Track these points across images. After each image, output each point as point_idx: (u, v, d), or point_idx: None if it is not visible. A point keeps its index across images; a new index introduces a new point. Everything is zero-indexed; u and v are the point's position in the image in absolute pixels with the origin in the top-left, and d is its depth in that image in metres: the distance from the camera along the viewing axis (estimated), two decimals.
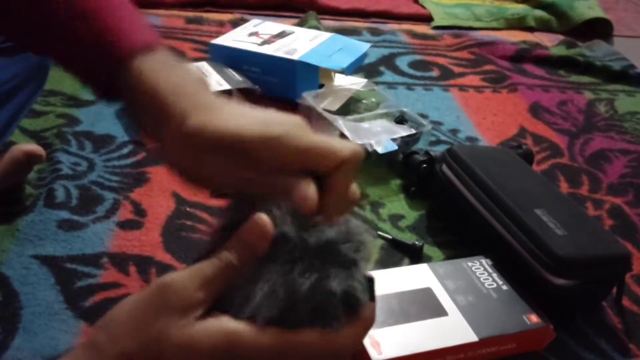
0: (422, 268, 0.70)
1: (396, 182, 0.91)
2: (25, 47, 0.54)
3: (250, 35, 1.15)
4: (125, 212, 0.78)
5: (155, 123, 0.42)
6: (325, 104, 1.06)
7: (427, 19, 1.59)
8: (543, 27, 1.64)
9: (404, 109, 1.01)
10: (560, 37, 1.57)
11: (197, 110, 0.40)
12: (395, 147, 0.91)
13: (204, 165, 0.40)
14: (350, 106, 1.09)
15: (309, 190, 0.38)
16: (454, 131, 1.07)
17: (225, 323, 0.36)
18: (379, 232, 0.79)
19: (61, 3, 0.45)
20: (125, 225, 0.76)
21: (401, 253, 0.77)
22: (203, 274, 0.37)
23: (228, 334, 0.36)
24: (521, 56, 1.40)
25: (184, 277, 0.36)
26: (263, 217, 0.38)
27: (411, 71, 1.28)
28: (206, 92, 0.43)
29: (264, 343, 0.36)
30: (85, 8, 0.45)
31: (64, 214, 0.75)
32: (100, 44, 0.44)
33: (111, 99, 0.47)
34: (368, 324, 0.41)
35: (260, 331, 0.36)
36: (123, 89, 0.43)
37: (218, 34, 1.21)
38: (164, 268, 0.69)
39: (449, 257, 0.77)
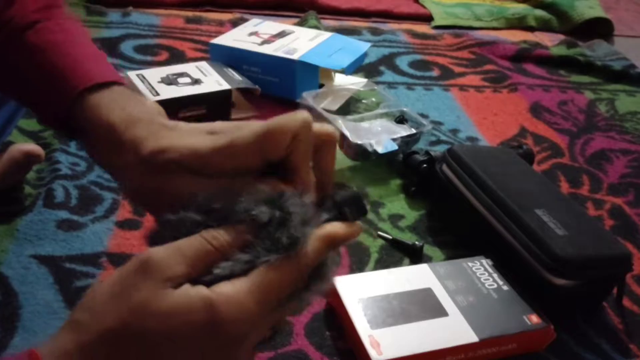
0: (422, 268, 0.69)
1: (396, 182, 0.90)
2: None
3: (250, 35, 1.15)
4: (124, 212, 0.77)
5: (112, 154, 0.43)
6: (325, 103, 1.06)
7: (427, 18, 1.59)
8: (543, 26, 1.63)
9: (404, 109, 1.01)
10: (561, 37, 1.57)
11: (152, 135, 0.42)
12: (396, 147, 0.91)
13: (166, 187, 0.41)
14: (350, 106, 1.09)
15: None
16: (454, 131, 1.06)
17: (202, 290, 0.35)
18: (379, 232, 0.79)
19: (17, 37, 0.48)
20: (124, 224, 0.75)
21: (401, 253, 0.76)
22: (180, 247, 0.36)
23: (205, 299, 0.35)
24: (522, 56, 1.40)
25: (163, 251, 0.36)
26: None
27: (411, 71, 1.28)
28: (160, 119, 0.44)
29: (242, 300, 0.35)
30: (44, 42, 0.48)
31: (63, 214, 0.75)
32: (57, 79, 0.46)
33: (68, 136, 0.48)
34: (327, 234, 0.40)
35: (236, 289, 0.35)
36: (79, 124, 0.45)
37: (218, 33, 1.21)
38: None
39: (449, 257, 0.77)
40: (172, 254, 0.36)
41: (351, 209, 0.42)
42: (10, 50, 0.49)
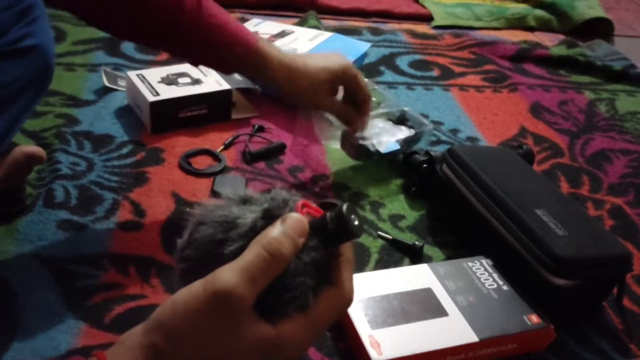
0: (423, 268, 0.69)
1: (396, 182, 0.90)
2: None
3: None
4: (124, 213, 0.77)
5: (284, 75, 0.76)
6: None
7: (427, 18, 1.59)
8: (543, 26, 1.63)
9: (405, 109, 1.01)
10: (561, 37, 1.57)
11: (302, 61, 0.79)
12: (398, 147, 0.91)
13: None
14: None
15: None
16: (455, 131, 1.07)
17: (270, 329, 0.40)
18: (379, 232, 0.79)
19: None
20: (124, 225, 0.75)
21: (401, 253, 0.76)
22: (251, 273, 0.39)
23: (273, 335, 0.40)
24: (522, 56, 1.40)
25: (237, 281, 0.38)
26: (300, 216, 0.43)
27: (411, 71, 1.28)
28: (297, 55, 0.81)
29: (299, 339, 0.41)
30: (216, 18, 0.72)
31: (64, 214, 0.75)
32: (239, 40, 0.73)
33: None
34: (345, 294, 0.45)
35: (295, 327, 0.41)
36: (253, 65, 0.75)
37: None
38: (164, 268, 0.69)
39: (449, 257, 0.77)
40: (244, 281, 0.39)
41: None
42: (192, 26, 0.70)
